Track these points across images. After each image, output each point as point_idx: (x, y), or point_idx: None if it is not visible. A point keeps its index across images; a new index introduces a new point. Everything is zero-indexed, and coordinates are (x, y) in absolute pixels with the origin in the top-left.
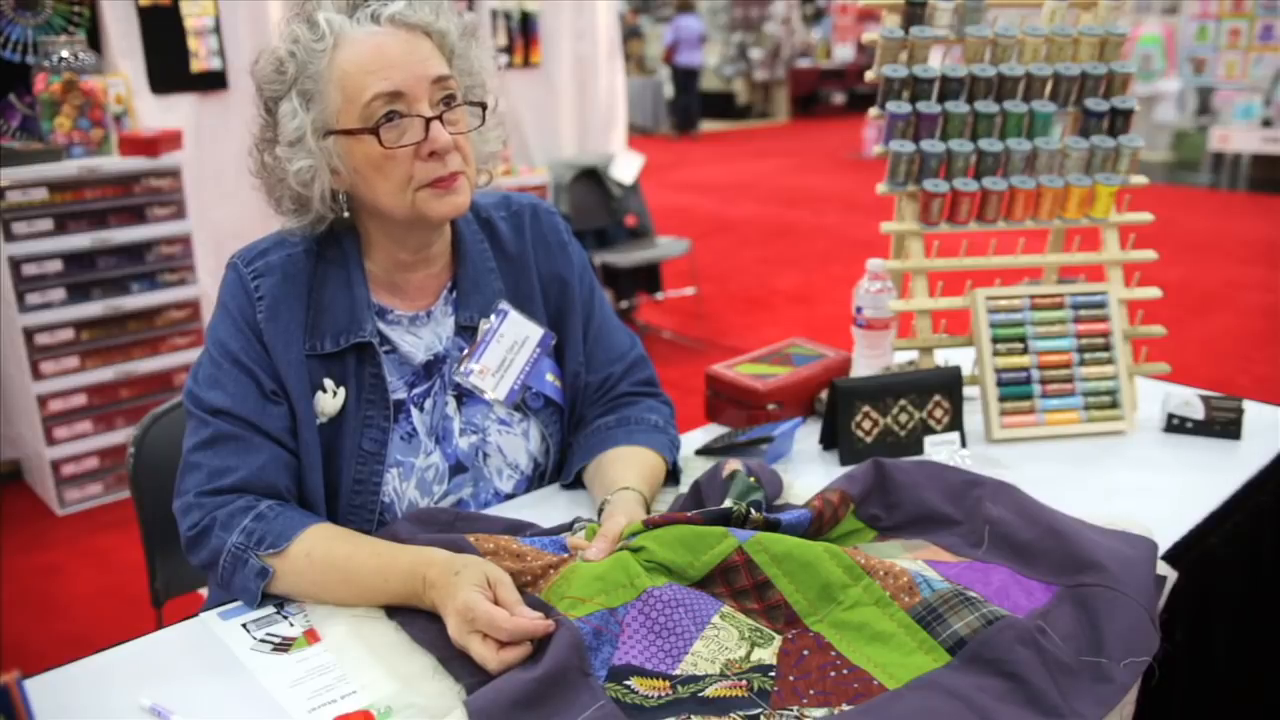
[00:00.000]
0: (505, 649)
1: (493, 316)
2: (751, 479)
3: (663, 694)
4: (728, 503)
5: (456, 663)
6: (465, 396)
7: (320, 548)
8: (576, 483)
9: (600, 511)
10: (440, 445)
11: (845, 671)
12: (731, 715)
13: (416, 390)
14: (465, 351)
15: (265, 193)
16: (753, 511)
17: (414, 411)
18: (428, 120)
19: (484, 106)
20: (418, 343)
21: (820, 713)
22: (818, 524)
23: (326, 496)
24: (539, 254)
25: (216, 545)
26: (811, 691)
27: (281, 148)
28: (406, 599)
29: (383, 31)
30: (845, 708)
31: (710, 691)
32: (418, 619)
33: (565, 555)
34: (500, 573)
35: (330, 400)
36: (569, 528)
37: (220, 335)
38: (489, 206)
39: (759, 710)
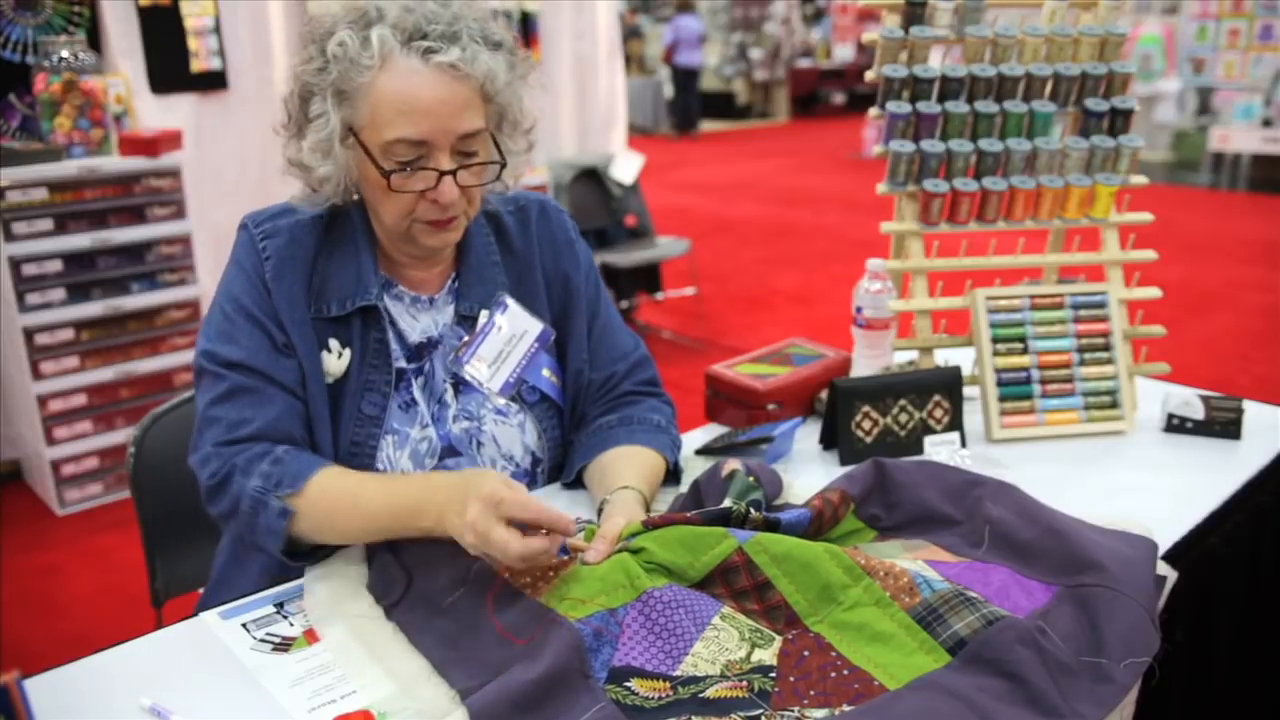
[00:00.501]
0: (527, 538)
1: (492, 308)
2: (750, 478)
3: (663, 695)
4: (727, 502)
5: (452, 667)
6: (463, 384)
7: (334, 482)
8: (577, 482)
9: (600, 511)
10: (435, 425)
11: (846, 672)
12: (732, 716)
13: (410, 366)
14: (464, 340)
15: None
16: (752, 511)
17: (414, 382)
18: (441, 173)
19: (502, 164)
20: (414, 324)
21: (821, 713)
22: (818, 523)
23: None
24: (545, 251)
25: (236, 491)
26: (812, 692)
27: (308, 146)
28: (412, 514)
29: (426, 73)
30: (846, 708)
31: (711, 692)
32: (417, 619)
33: (565, 558)
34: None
35: (335, 361)
36: None
37: (234, 290)
38: (497, 202)
39: (760, 711)
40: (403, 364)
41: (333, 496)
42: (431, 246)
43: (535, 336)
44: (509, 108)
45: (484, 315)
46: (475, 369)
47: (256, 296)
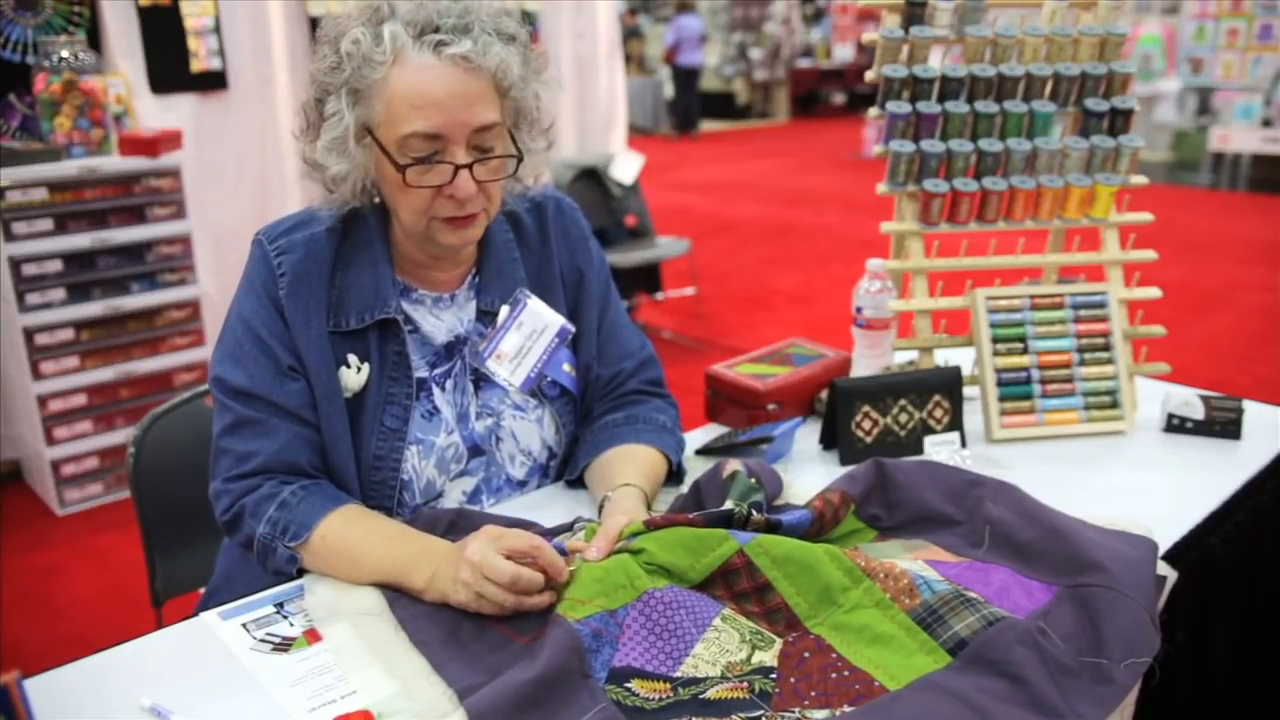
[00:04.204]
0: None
1: (512, 304)
2: (752, 479)
3: (663, 696)
4: (729, 504)
5: (452, 665)
6: (482, 381)
7: (338, 533)
8: (580, 480)
9: (600, 508)
10: (459, 426)
11: (846, 673)
12: (733, 717)
13: (438, 370)
14: (484, 335)
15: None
16: (754, 513)
17: (436, 390)
18: (457, 167)
19: (519, 159)
20: (439, 324)
21: (821, 714)
22: (819, 524)
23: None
24: (560, 246)
25: (248, 532)
26: (813, 693)
27: (322, 145)
28: (405, 574)
29: (439, 66)
30: (846, 709)
31: (712, 693)
32: (419, 618)
33: (565, 558)
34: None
35: (354, 376)
36: (569, 528)
37: (244, 310)
38: (513, 199)
39: (760, 712)
40: (423, 374)
41: (335, 550)
42: (450, 245)
43: (555, 332)
44: (525, 104)
45: (504, 310)
46: (496, 364)
47: (265, 316)
